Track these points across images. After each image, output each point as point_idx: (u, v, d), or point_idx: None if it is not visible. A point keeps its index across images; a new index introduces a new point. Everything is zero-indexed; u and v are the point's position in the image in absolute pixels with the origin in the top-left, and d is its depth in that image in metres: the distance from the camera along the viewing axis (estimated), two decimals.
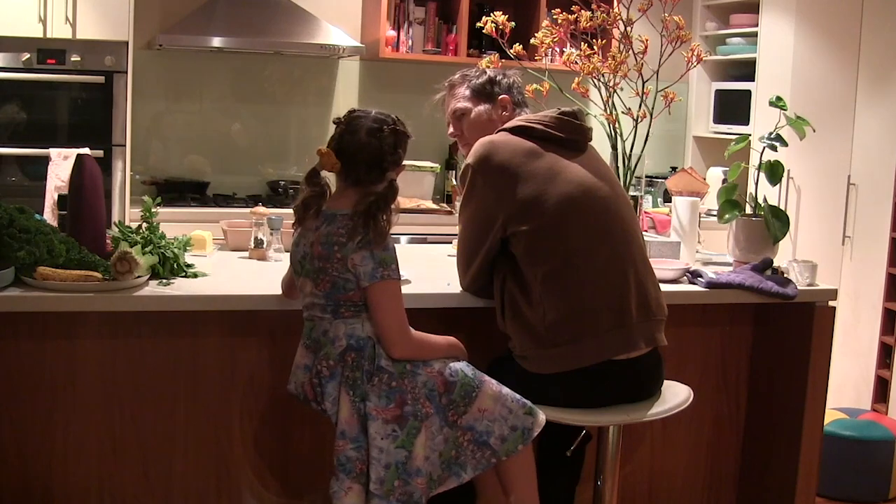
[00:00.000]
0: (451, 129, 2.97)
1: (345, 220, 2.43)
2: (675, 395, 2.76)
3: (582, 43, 3.39)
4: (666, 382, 2.80)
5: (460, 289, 2.83)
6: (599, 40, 3.37)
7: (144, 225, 2.93)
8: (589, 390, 2.63)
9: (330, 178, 2.54)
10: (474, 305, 2.83)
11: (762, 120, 4.63)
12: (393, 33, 5.07)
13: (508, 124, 2.80)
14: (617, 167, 3.40)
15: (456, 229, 2.79)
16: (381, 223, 2.42)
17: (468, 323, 2.91)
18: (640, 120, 3.38)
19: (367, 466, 2.42)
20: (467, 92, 2.92)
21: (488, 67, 3.07)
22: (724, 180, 4.00)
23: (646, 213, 3.91)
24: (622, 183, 3.26)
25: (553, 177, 2.66)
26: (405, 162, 2.58)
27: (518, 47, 3.41)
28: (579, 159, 2.74)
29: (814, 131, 3.46)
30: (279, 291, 2.73)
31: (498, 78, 2.93)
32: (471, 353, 2.66)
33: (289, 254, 2.62)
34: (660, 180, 5.06)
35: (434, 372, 2.48)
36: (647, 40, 3.33)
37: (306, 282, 2.50)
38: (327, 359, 2.45)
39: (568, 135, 2.76)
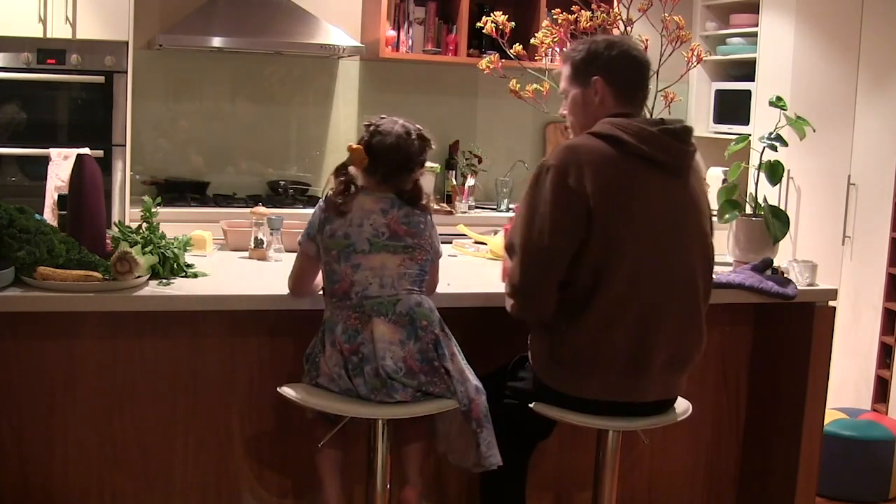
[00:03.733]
0: (561, 109, 2.72)
1: (406, 206, 2.63)
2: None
3: None
4: None
5: (464, 290, 2.82)
6: None
7: (144, 225, 2.93)
8: (588, 409, 2.59)
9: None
10: (473, 305, 2.83)
11: (762, 120, 4.63)
12: (393, 33, 5.06)
13: (598, 127, 2.51)
14: None
15: (455, 229, 2.77)
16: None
17: (464, 321, 2.90)
18: None
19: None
20: (568, 70, 2.64)
21: (593, 40, 2.65)
22: (724, 180, 4.00)
23: None
24: None
25: (621, 205, 2.44)
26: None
27: (518, 47, 3.41)
28: (667, 186, 2.50)
29: (814, 131, 3.46)
30: (279, 291, 2.72)
31: (598, 51, 2.56)
32: (471, 352, 2.67)
33: (298, 248, 2.64)
34: None
35: None
36: (647, 40, 3.32)
37: (387, 257, 2.57)
38: (437, 325, 2.59)
39: (662, 157, 2.48)
